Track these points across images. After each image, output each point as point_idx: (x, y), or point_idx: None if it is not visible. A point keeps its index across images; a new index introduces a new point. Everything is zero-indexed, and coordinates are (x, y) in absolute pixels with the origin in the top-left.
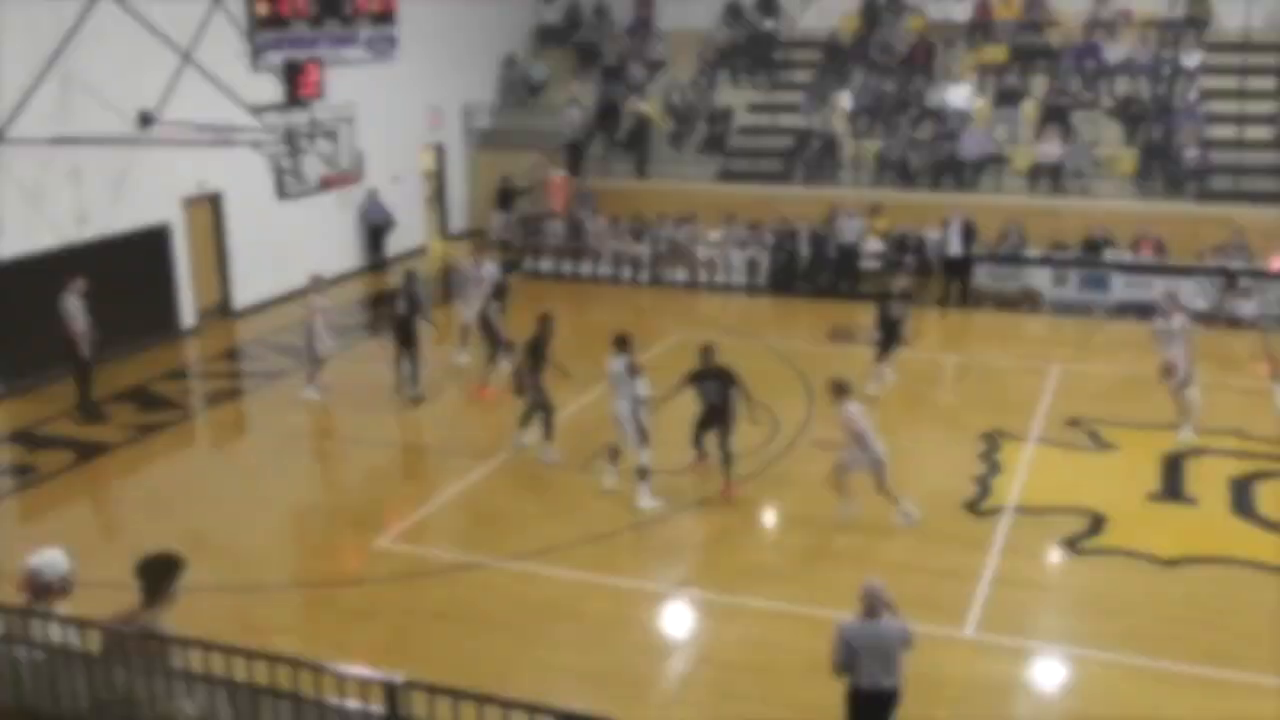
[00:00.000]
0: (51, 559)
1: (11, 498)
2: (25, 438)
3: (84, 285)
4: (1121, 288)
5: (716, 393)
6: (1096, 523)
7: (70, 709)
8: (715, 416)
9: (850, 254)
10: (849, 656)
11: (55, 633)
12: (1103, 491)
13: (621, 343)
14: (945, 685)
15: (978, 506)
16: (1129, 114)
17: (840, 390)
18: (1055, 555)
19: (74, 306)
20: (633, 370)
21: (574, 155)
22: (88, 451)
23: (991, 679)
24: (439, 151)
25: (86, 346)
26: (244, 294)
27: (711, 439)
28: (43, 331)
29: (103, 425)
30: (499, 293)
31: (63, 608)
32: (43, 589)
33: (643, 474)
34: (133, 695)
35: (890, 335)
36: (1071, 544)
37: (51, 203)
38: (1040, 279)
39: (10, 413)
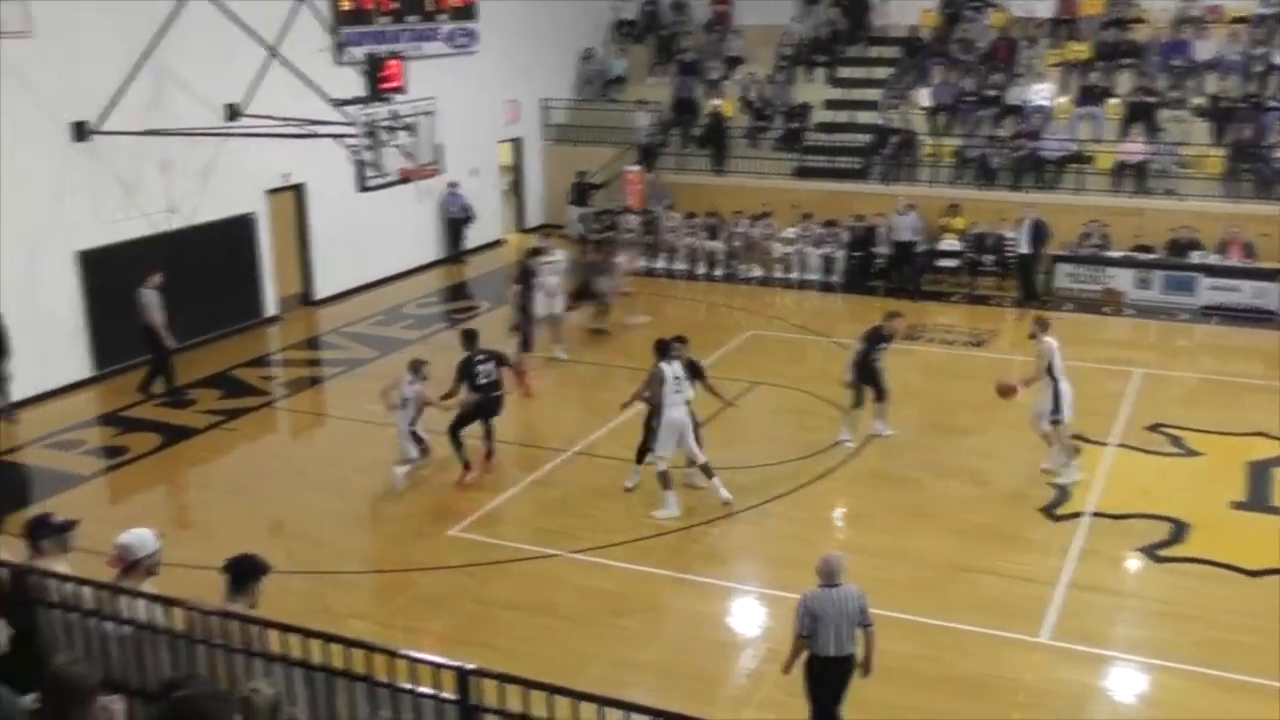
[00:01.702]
0: (141, 537)
1: (102, 477)
2: (116, 420)
3: (161, 279)
4: (1207, 291)
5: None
6: (1178, 530)
7: (155, 683)
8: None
9: (907, 251)
10: (811, 624)
11: (141, 609)
12: (1185, 498)
13: (670, 346)
14: (1018, 691)
15: (1055, 511)
16: (1217, 113)
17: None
18: (1134, 562)
19: (152, 299)
20: (695, 370)
21: (646, 153)
22: (174, 435)
23: (1065, 686)
24: (516, 145)
25: (167, 337)
26: (324, 284)
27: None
28: (135, 317)
29: (188, 410)
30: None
31: (148, 586)
32: (132, 566)
33: (709, 469)
34: (210, 674)
35: (873, 383)
36: (1151, 551)
37: (143, 193)
38: (1123, 280)
39: (103, 395)
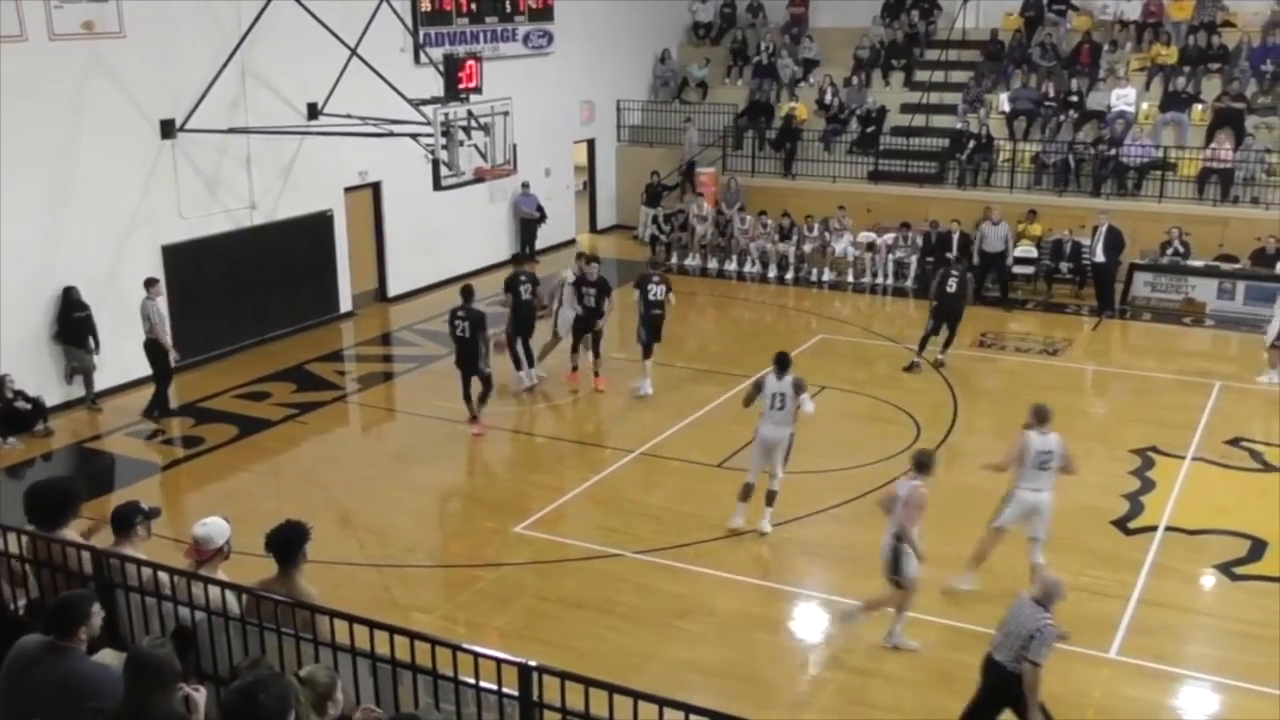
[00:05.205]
0: (217, 527)
1: (180, 467)
2: (195, 410)
3: (161, 287)
4: None
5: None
6: (1257, 548)
7: (226, 668)
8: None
9: (995, 261)
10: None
11: (214, 595)
12: (1264, 515)
13: (785, 362)
14: (1087, 707)
15: (1128, 524)
16: None
17: None
18: (1209, 579)
19: (154, 310)
20: (799, 387)
21: (691, 172)
22: (249, 426)
23: (1135, 703)
24: (590, 146)
25: (171, 351)
26: (398, 281)
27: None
28: (214, 309)
29: (263, 403)
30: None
31: (221, 571)
32: (208, 554)
33: (772, 499)
34: (264, 661)
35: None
36: (1227, 569)
37: (225, 189)
38: (1204, 290)
39: (182, 386)
